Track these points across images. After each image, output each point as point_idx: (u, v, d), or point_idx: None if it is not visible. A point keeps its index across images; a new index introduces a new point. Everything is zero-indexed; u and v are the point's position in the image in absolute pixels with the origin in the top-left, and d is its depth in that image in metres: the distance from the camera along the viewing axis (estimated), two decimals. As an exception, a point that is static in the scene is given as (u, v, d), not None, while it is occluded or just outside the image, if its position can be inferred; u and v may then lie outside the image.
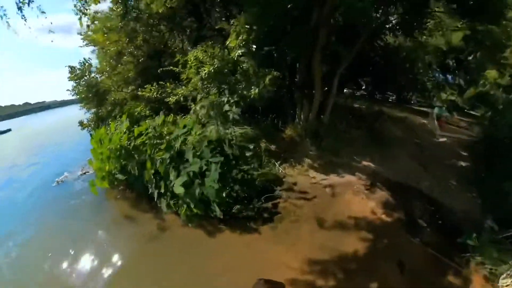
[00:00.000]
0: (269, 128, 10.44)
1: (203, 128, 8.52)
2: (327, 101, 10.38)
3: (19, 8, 6.76)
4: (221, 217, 6.95)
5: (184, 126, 9.16)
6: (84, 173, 12.04)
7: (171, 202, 7.56)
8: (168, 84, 10.52)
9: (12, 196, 11.64)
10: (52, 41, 8.77)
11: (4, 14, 7.02)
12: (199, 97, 9.37)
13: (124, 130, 9.73)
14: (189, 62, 8.76)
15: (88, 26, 8.49)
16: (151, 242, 6.96)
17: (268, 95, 8.58)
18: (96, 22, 11.04)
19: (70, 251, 7.17)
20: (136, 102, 12.03)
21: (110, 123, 10.96)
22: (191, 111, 9.15)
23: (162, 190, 7.77)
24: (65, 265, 6.75)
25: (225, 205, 7.18)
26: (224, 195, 6.98)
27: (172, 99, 10.26)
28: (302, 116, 10.61)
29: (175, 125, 9.51)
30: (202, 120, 9.16)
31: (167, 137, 8.51)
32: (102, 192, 9.51)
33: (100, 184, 9.08)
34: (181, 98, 10.09)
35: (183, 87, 10.09)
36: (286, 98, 11.09)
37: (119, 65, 12.11)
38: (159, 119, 9.76)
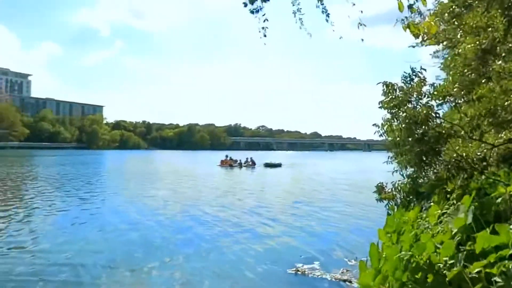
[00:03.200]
0: None
1: None
2: None
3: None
4: None
5: None
6: (346, 280, 7.81)
7: None
8: None
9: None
10: (362, 39, 6.17)
11: (298, 10, 6.06)
12: None
13: (455, 231, 4.81)
14: None
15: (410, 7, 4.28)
16: None
17: None
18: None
19: None
20: (506, 172, 6.38)
21: (431, 205, 6.26)
22: None
23: None
24: None
25: None
26: None
27: None
28: None
29: None
30: None
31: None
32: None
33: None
34: None
35: None
36: None
37: (481, 82, 6.48)
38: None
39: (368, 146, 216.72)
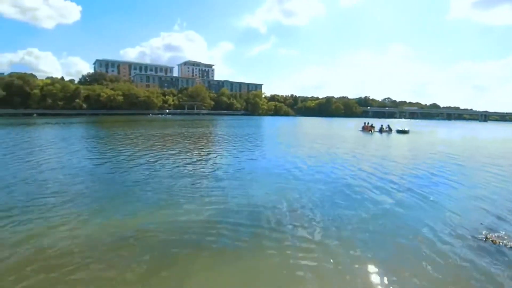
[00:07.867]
0: None
1: None
2: None
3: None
4: None
5: None
6: None
7: None
8: None
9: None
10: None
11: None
12: None
13: None
14: None
15: None
16: None
17: None
18: None
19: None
20: None
21: None
22: None
23: None
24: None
25: None
26: None
27: None
28: None
29: None
30: None
31: None
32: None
33: None
34: None
35: None
36: None
37: None
38: None
39: (485, 116, 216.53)
